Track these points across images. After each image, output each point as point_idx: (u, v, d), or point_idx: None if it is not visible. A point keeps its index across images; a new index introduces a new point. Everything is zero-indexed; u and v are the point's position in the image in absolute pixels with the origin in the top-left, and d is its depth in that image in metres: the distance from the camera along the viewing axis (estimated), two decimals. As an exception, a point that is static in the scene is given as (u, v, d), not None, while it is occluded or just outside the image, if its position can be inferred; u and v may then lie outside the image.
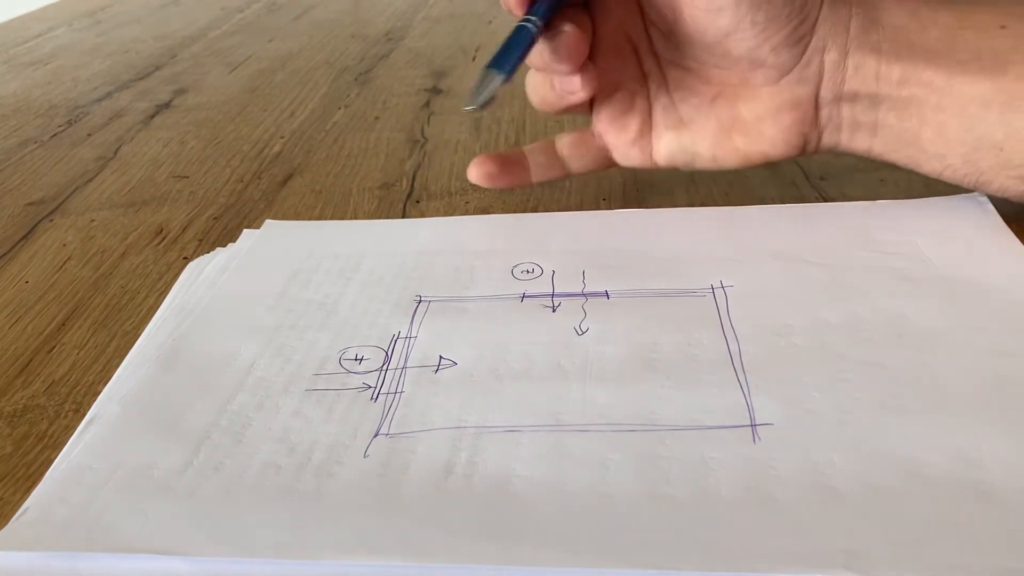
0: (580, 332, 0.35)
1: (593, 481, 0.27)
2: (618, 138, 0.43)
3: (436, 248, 0.42)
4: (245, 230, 0.45)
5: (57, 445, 0.31)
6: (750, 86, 0.40)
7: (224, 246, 0.44)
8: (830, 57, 0.38)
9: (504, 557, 0.25)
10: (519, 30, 0.38)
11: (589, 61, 0.40)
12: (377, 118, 0.64)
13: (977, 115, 0.37)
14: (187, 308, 0.39)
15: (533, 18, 0.38)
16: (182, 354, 0.35)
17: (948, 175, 0.39)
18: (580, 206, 0.47)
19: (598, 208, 0.46)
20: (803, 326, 0.34)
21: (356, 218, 0.48)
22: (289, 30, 0.93)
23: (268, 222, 0.46)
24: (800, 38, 0.38)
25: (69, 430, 0.32)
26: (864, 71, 0.38)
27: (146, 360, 0.35)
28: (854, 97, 0.39)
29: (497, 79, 0.37)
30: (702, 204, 0.45)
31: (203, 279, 0.41)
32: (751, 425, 0.29)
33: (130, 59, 0.85)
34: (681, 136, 0.42)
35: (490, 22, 0.89)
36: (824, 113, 0.40)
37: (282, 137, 0.61)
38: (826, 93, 0.39)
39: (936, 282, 0.36)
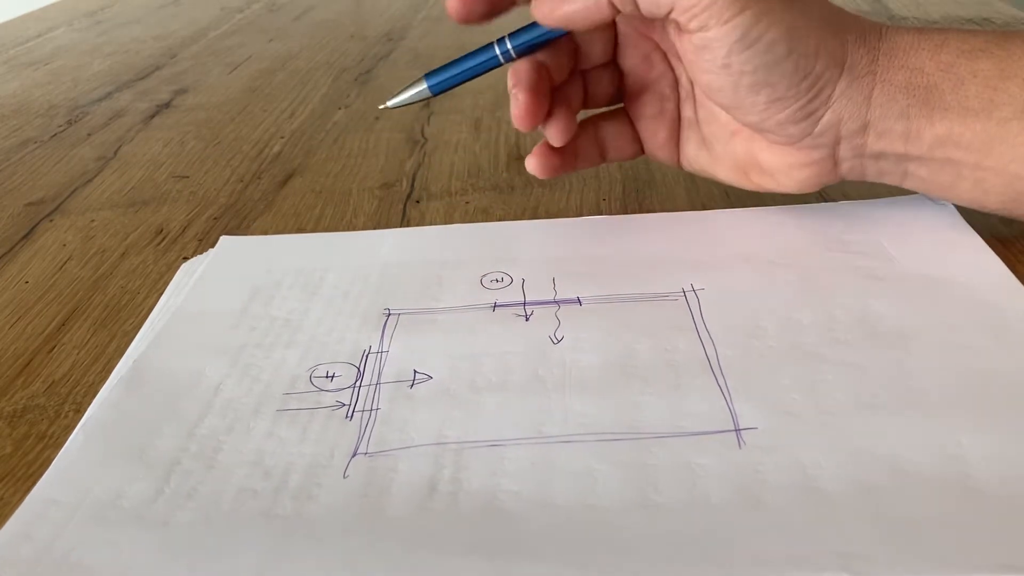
0: (555, 340, 0.35)
1: (581, 492, 0.27)
2: (649, 138, 0.42)
3: (400, 260, 0.41)
4: (183, 264, 0.44)
5: (57, 445, 0.31)
6: (763, 139, 0.39)
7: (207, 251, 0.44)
8: (848, 127, 0.36)
9: (496, 574, 0.24)
10: (482, 53, 0.40)
11: (568, 114, 0.39)
12: (377, 118, 0.64)
13: (1019, 173, 0.35)
14: (151, 325, 0.37)
15: (504, 48, 0.39)
16: (145, 376, 0.34)
17: (981, 209, 0.38)
18: (580, 207, 0.47)
19: (598, 209, 0.46)
20: (776, 328, 0.34)
21: (356, 218, 0.48)
22: (289, 30, 0.93)
23: (224, 238, 0.44)
24: (810, 114, 0.36)
25: (69, 430, 0.32)
26: (890, 136, 0.36)
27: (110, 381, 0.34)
28: (879, 155, 0.37)
29: (423, 91, 0.40)
30: (703, 205, 0.45)
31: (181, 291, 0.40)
32: (735, 430, 0.29)
33: (130, 59, 0.85)
34: (701, 156, 0.42)
35: (490, 22, 0.89)
36: (844, 167, 0.38)
37: (282, 137, 0.61)
38: (845, 153, 0.37)
39: (903, 280, 0.36)
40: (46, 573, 0.26)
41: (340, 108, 0.67)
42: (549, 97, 0.39)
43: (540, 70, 0.38)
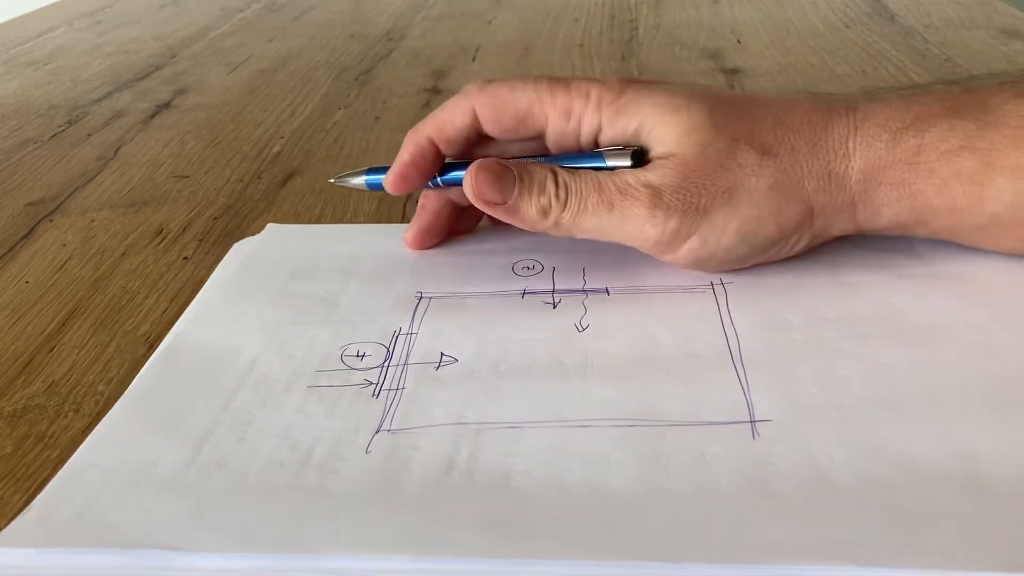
0: (580, 328, 0.35)
1: (594, 476, 0.27)
2: None
3: (436, 247, 0.42)
4: (235, 245, 0.45)
5: (57, 445, 0.31)
6: None
7: (226, 246, 0.44)
8: (837, 234, 0.37)
9: (506, 551, 0.25)
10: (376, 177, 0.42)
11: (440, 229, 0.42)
12: (377, 118, 0.64)
13: (1015, 248, 0.36)
14: (197, 302, 0.39)
15: (434, 181, 0.40)
16: (183, 351, 0.35)
17: None
18: (580, 206, 0.47)
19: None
20: (801, 322, 0.34)
21: (356, 218, 0.48)
22: (289, 30, 0.93)
23: (270, 225, 0.46)
24: (790, 248, 0.37)
25: (69, 430, 0.32)
26: (883, 231, 0.37)
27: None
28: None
29: (360, 183, 0.42)
30: (702, 204, 0.45)
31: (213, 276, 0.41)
32: (751, 421, 0.29)
33: (130, 59, 0.85)
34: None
35: (490, 22, 0.89)
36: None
37: (282, 137, 0.61)
38: (834, 235, 0.37)
39: (931, 279, 0.36)
40: (82, 533, 0.27)
41: (340, 108, 0.67)
42: (443, 224, 0.42)
43: (447, 204, 0.41)
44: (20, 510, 0.28)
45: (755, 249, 0.36)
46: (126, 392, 0.33)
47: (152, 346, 0.36)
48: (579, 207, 0.35)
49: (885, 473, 0.27)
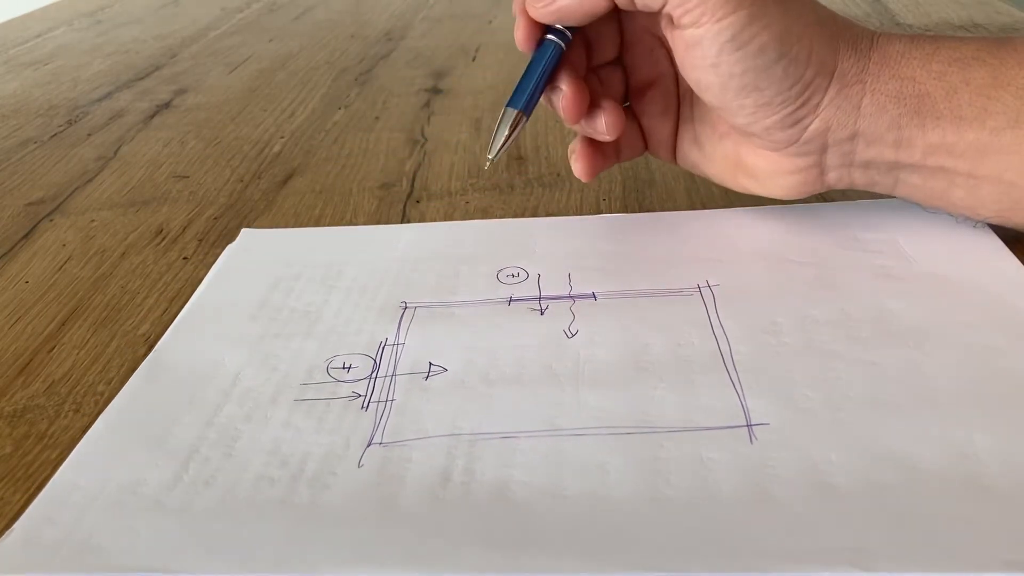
0: (570, 335, 0.35)
1: (593, 485, 0.27)
2: (654, 134, 0.42)
3: (418, 254, 0.42)
4: (228, 247, 0.45)
5: (57, 445, 0.31)
6: (750, 142, 0.38)
7: (225, 246, 0.44)
8: (836, 135, 0.36)
9: (507, 565, 0.25)
10: (542, 54, 0.38)
11: (615, 104, 0.38)
12: (377, 118, 0.64)
13: (1013, 181, 0.35)
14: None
15: (553, 38, 0.38)
16: (165, 366, 0.35)
17: (974, 220, 0.38)
18: (580, 207, 0.47)
19: (598, 209, 0.46)
20: (791, 324, 0.34)
21: (356, 219, 0.48)
22: (289, 30, 0.93)
23: (245, 231, 0.46)
24: (797, 121, 0.36)
25: (69, 430, 0.32)
26: (881, 144, 0.36)
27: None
28: (868, 163, 0.37)
29: (515, 116, 0.37)
30: (702, 204, 0.45)
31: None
32: (747, 425, 0.29)
33: (130, 59, 0.85)
34: (693, 153, 0.41)
35: (490, 22, 0.89)
36: (832, 175, 0.38)
37: (282, 137, 0.61)
38: (833, 161, 0.37)
39: (919, 279, 0.36)
40: (68, 556, 0.26)
41: (340, 108, 0.67)
42: (586, 88, 0.38)
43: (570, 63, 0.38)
44: (20, 510, 0.28)
45: (778, 69, 0.34)
46: (107, 409, 0.33)
47: (152, 346, 0.36)
48: None
49: (884, 475, 0.27)
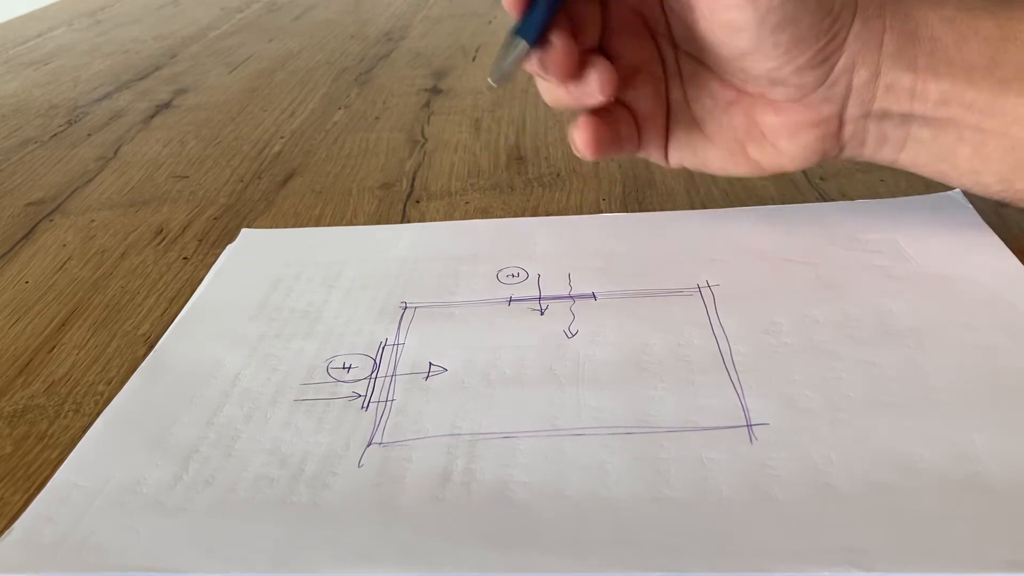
0: (570, 335, 0.35)
1: (593, 485, 0.27)
2: (646, 126, 0.39)
3: (418, 254, 0.42)
4: (228, 247, 0.45)
5: (57, 445, 0.31)
6: (769, 99, 0.37)
7: (225, 246, 0.44)
8: (860, 76, 0.35)
9: (507, 565, 0.25)
10: None
11: (607, 61, 0.36)
12: (377, 118, 0.64)
13: (1020, 136, 0.34)
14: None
15: None
16: (165, 366, 0.35)
17: (978, 190, 0.37)
18: (580, 207, 0.47)
19: (598, 209, 0.46)
20: (791, 324, 0.34)
21: (356, 219, 0.48)
22: (289, 30, 0.93)
23: (245, 231, 0.46)
24: (826, 58, 0.34)
25: (69, 430, 0.32)
26: (897, 90, 0.35)
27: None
28: (884, 115, 0.36)
29: (521, 46, 0.34)
30: (702, 204, 0.45)
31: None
32: (747, 425, 0.29)
33: (130, 59, 0.85)
34: (692, 139, 0.39)
35: (490, 22, 0.89)
36: (848, 129, 0.36)
37: (282, 137, 0.61)
38: (853, 111, 0.36)
39: (918, 279, 0.36)
40: (67, 556, 0.26)
41: (340, 108, 0.67)
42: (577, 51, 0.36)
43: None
44: (20, 510, 0.28)
45: (812, 5, 0.33)
46: (107, 409, 0.33)
47: (152, 346, 0.36)
48: None
49: (884, 475, 0.27)
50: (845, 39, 0.34)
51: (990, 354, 0.32)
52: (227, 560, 0.26)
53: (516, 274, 0.39)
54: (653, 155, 0.40)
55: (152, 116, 0.68)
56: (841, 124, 0.36)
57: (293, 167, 0.56)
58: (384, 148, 0.58)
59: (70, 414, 0.33)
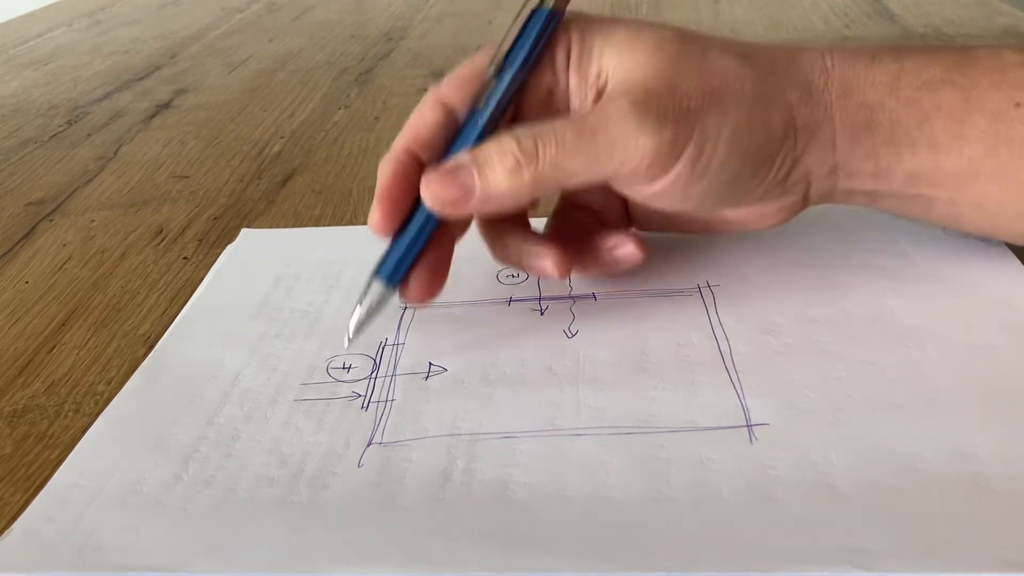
0: (570, 335, 0.35)
1: (593, 485, 0.27)
2: (607, 219, 0.38)
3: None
4: (227, 247, 0.45)
5: (57, 445, 0.31)
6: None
7: (225, 246, 0.44)
8: (818, 173, 0.34)
9: (507, 564, 0.25)
10: (418, 220, 0.33)
11: (554, 252, 0.34)
12: (377, 118, 0.64)
13: (995, 211, 0.34)
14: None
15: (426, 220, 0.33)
16: (165, 366, 0.35)
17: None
18: (580, 206, 0.47)
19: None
20: (791, 325, 0.34)
21: (356, 219, 0.48)
22: (289, 30, 0.93)
23: (245, 231, 0.46)
24: (777, 183, 0.34)
25: (69, 430, 0.32)
26: (861, 176, 0.34)
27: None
28: (850, 193, 0.35)
29: (377, 291, 0.33)
30: (702, 204, 0.45)
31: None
32: (747, 425, 0.29)
33: (130, 59, 0.85)
34: (658, 223, 0.38)
35: (490, 22, 0.89)
36: (814, 201, 0.36)
37: (282, 137, 0.61)
38: (816, 195, 0.35)
39: (919, 279, 0.36)
40: (67, 555, 0.26)
41: (340, 108, 0.67)
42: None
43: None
44: (20, 510, 0.28)
45: (746, 168, 0.32)
46: (107, 409, 0.33)
47: (152, 346, 0.36)
48: (556, 148, 0.31)
49: (884, 476, 0.27)
50: (794, 162, 0.33)
51: (990, 354, 0.32)
52: (227, 560, 0.26)
53: (516, 274, 0.39)
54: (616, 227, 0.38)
55: (152, 116, 0.68)
56: (806, 202, 0.36)
57: (293, 167, 0.56)
58: (384, 148, 0.57)
59: (70, 414, 0.33)
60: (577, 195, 0.37)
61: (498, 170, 0.31)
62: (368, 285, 0.33)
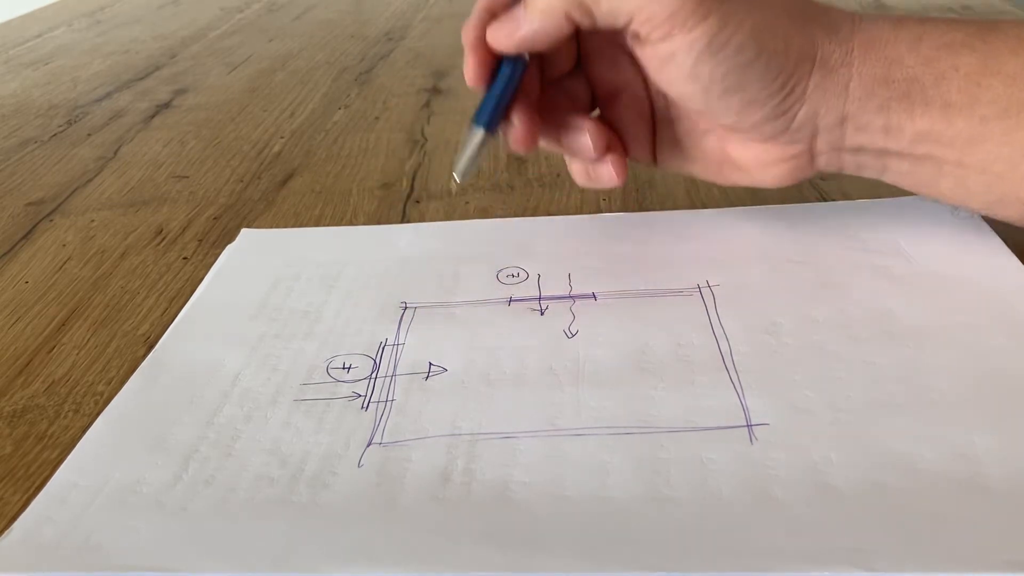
0: (570, 335, 0.35)
1: (593, 485, 0.27)
2: (631, 141, 0.40)
3: (418, 254, 0.42)
4: (227, 247, 0.45)
5: (57, 445, 0.31)
6: (737, 137, 0.38)
7: (225, 246, 0.44)
8: (825, 121, 0.35)
9: (507, 564, 0.25)
10: (503, 70, 0.37)
11: (619, 146, 0.38)
12: (377, 118, 0.64)
13: (1002, 173, 0.34)
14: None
15: (515, 60, 0.37)
16: (164, 366, 0.35)
17: (965, 210, 0.37)
18: (580, 207, 0.47)
19: (598, 209, 0.46)
20: (791, 325, 0.34)
21: (356, 219, 0.48)
22: (289, 30, 0.93)
23: (244, 231, 0.46)
24: (784, 112, 0.35)
25: (69, 430, 0.32)
26: (870, 130, 0.35)
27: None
28: (859, 149, 0.36)
29: (479, 135, 0.36)
30: (702, 204, 0.45)
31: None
32: (747, 425, 0.29)
33: (130, 59, 0.85)
34: (676, 154, 0.40)
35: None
36: (822, 160, 0.37)
37: (282, 137, 0.61)
38: (823, 147, 0.36)
39: (918, 279, 0.36)
40: (67, 555, 0.26)
41: (340, 108, 0.67)
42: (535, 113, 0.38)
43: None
44: (20, 510, 0.28)
45: (758, 67, 0.34)
46: (107, 409, 0.33)
47: (152, 346, 0.36)
48: None
49: (884, 476, 0.27)
50: (804, 91, 0.35)
51: (990, 354, 0.32)
52: (227, 560, 0.26)
53: (516, 274, 0.39)
54: (642, 161, 0.41)
55: (152, 116, 0.68)
56: (812, 156, 0.37)
57: (293, 167, 0.56)
58: (384, 148, 0.58)
59: (70, 414, 0.33)
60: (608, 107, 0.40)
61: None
62: (468, 130, 0.36)
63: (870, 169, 0.37)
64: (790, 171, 0.37)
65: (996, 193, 0.35)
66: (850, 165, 0.37)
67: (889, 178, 0.37)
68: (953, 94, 0.33)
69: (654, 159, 0.41)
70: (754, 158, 0.38)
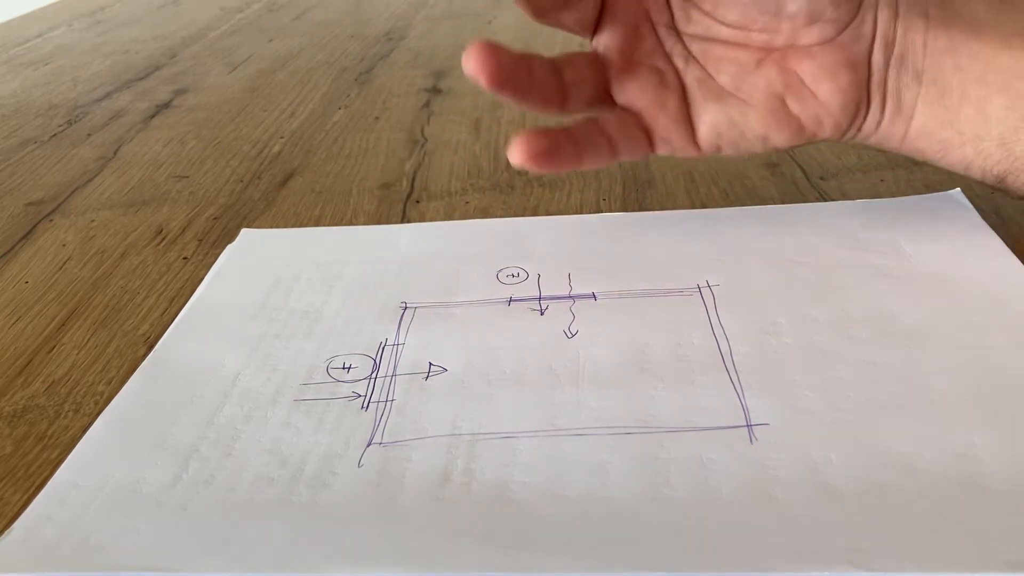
0: (570, 335, 0.35)
1: (593, 485, 0.27)
2: (656, 119, 0.37)
3: (418, 254, 0.42)
4: (227, 247, 0.45)
5: (57, 445, 0.31)
6: (799, 47, 0.36)
7: (225, 246, 0.44)
8: (883, 15, 0.36)
9: (507, 564, 0.25)
10: None
11: (563, 142, 0.36)
12: (377, 118, 0.64)
13: (1021, 91, 0.36)
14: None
15: None
16: (165, 366, 0.35)
17: (979, 163, 0.37)
18: (580, 207, 0.47)
19: (598, 209, 0.46)
20: (791, 324, 0.34)
21: (356, 219, 0.48)
22: (289, 30, 0.93)
23: (244, 231, 0.46)
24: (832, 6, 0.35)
25: (69, 430, 0.32)
26: (913, 35, 0.36)
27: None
28: (902, 63, 0.36)
29: None
30: (702, 204, 0.45)
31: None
32: (747, 425, 0.29)
33: (130, 59, 0.85)
34: (727, 107, 0.37)
35: (490, 22, 0.89)
36: (875, 80, 0.37)
37: (282, 137, 0.61)
38: (877, 55, 0.36)
39: (918, 279, 0.36)
40: (67, 555, 0.26)
41: (340, 108, 0.67)
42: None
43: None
44: (20, 510, 0.28)
45: None
46: (107, 409, 0.33)
47: (152, 346, 0.36)
48: None
49: (884, 476, 0.27)
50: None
51: (990, 354, 0.32)
52: (227, 560, 0.26)
53: (516, 274, 0.39)
54: (678, 147, 0.38)
55: (152, 116, 0.68)
56: (870, 72, 0.37)
57: (293, 167, 0.56)
58: (384, 148, 0.58)
59: (70, 414, 0.33)
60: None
61: None
62: None
63: (904, 108, 0.37)
64: (852, 86, 0.36)
65: (1013, 119, 0.36)
66: (892, 99, 0.37)
67: (917, 121, 0.37)
68: (980, 11, 0.36)
69: (692, 136, 0.38)
70: (820, 67, 0.36)
